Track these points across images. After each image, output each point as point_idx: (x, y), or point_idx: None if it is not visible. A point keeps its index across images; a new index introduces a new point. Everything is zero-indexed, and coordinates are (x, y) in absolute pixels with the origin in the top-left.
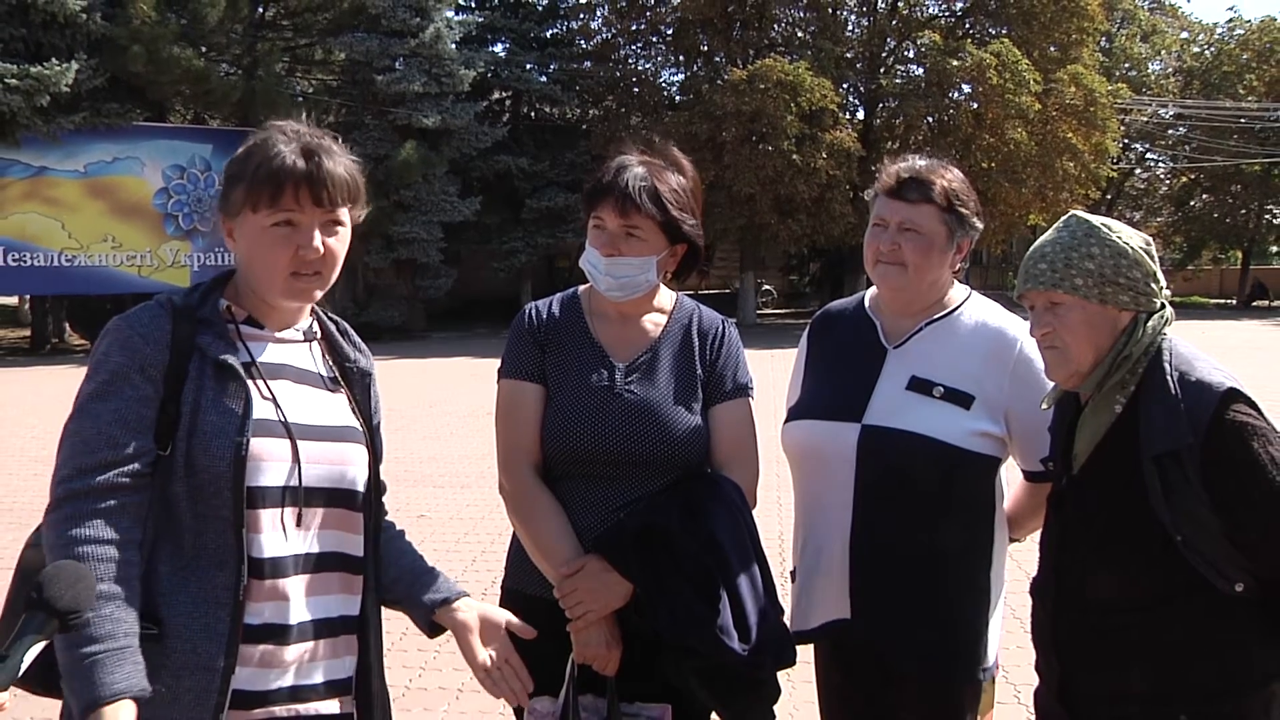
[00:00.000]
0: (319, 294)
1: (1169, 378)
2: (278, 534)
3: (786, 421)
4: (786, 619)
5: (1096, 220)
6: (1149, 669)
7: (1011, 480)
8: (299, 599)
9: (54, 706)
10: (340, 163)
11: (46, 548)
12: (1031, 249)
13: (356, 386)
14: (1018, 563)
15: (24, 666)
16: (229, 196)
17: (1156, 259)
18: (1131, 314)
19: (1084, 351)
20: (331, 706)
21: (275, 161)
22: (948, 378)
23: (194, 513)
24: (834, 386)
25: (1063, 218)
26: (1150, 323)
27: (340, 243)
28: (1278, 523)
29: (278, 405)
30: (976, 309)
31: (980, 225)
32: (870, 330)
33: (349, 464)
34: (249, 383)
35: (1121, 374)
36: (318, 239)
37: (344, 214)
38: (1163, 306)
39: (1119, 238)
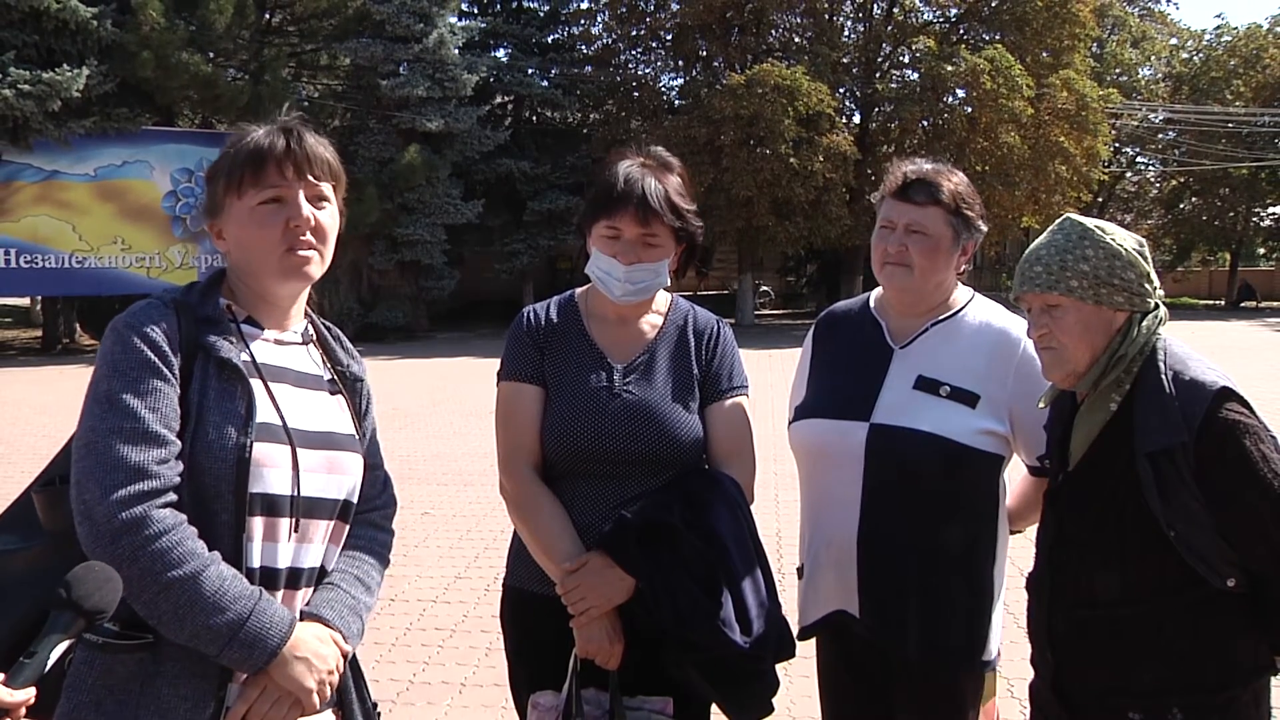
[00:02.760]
0: (316, 273)
1: (1163, 377)
2: (274, 544)
3: (794, 421)
4: (793, 614)
5: (1090, 223)
6: (1143, 662)
7: (1013, 478)
8: (294, 610)
9: None
10: (318, 141)
11: (128, 557)
12: (1027, 252)
13: (350, 391)
14: (1012, 559)
15: (49, 664)
16: (212, 195)
17: (1150, 260)
18: (1126, 314)
19: (1080, 352)
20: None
21: (253, 144)
22: (954, 377)
23: (194, 516)
24: (841, 386)
25: (1057, 221)
26: (1145, 323)
27: (330, 218)
28: (1268, 519)
29: (279, 410)
30: (980, 310)
31: (984, 228)
32: (876, 331)
33: (345, 473)
34: (252, 384)
35: (1117, 373)
36: (307, 209)
37: (328, 190)
38: (1156, 306)
39: (1113, 240)
